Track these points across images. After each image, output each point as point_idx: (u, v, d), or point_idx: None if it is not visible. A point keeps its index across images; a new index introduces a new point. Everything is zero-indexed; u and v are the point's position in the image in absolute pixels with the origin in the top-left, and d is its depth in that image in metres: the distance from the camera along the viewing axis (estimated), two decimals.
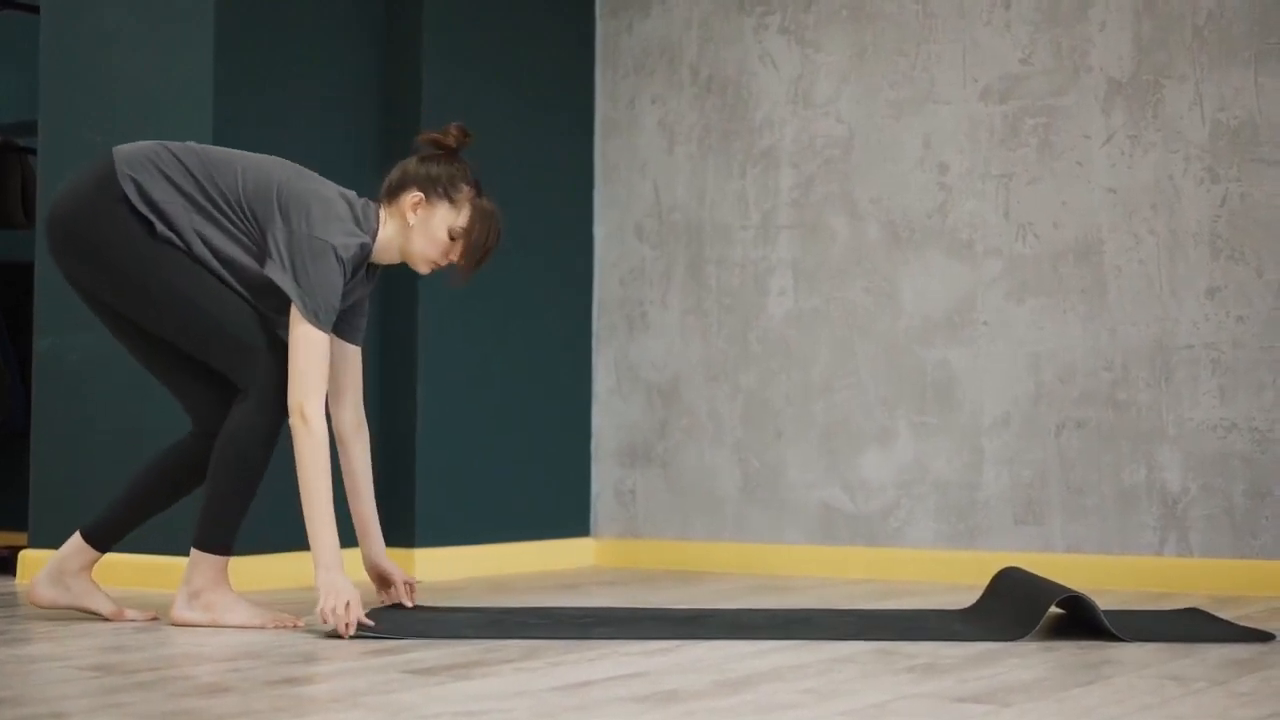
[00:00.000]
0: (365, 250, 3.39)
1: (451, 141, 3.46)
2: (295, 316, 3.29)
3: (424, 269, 3.47)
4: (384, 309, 4.60)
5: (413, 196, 3.41)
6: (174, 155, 3.37)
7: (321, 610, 3.17)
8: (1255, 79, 4.26)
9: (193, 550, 3.37)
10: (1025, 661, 2.88)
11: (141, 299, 3.37)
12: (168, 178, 3.33)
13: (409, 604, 3.60)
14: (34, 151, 5.01)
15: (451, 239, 3.43)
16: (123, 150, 3.38)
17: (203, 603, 3.35)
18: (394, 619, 3.38)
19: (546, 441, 5.01)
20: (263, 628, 3.30)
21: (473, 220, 3.43)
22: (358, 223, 3.38)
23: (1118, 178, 4.41)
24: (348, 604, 3.16)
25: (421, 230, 3.41)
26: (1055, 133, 4.50)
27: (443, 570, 4.61)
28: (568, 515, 5.08)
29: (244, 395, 3.35)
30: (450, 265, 3.49)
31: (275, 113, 4.32)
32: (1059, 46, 4.51)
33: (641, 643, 3.11)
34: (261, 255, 3.34)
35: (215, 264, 3.35)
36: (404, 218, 3.41)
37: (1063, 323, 4.46)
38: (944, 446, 4.59)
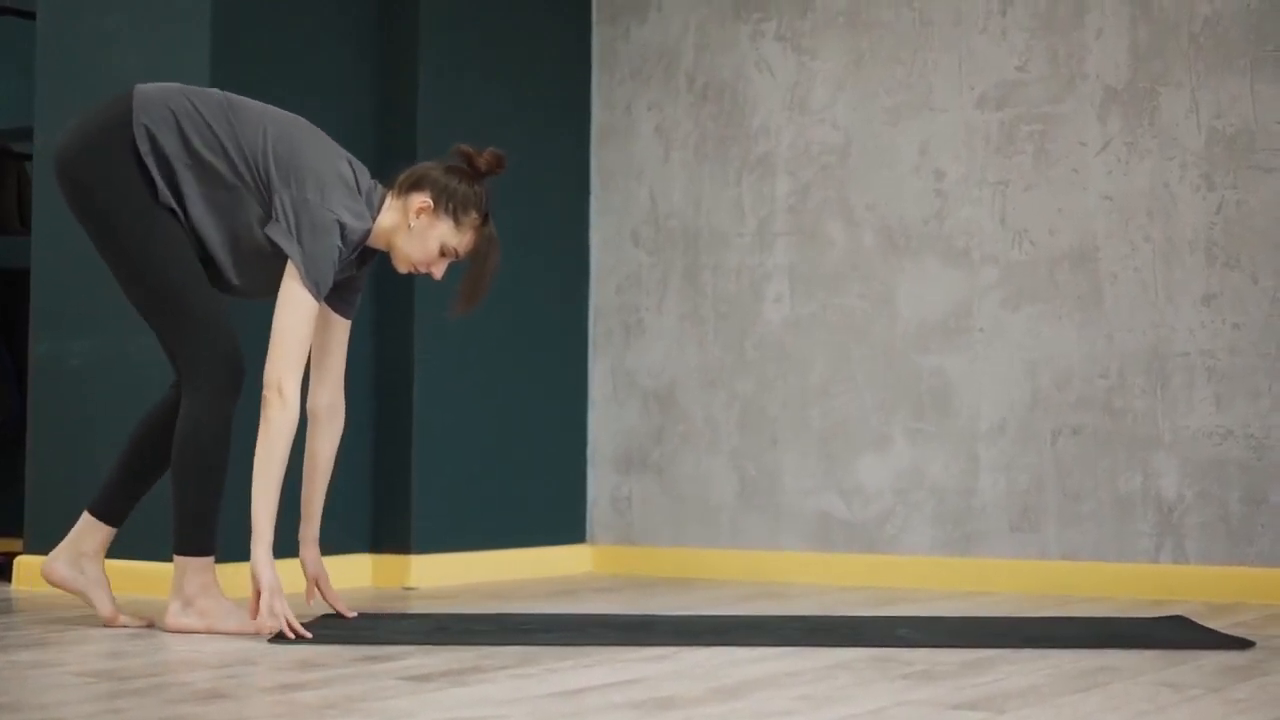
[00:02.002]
0: (365, 235, 3.39)
1: (481, 165, 3.43)
2: (290, 276, 3.28)
3: (402, 269, 3.46)
4: (380, 315, 4.60)
5: (422, 200, 3.39)
6: (195, 108, 3.34)
7: (260, 617, 3.20)
8: (1251, 86, 4.27)
9: (176, 558, 3.37)
10: (1021, 668, 2.88)
11: (118, 259, 3.37)
12: (182, 132, 3.32)
13: (348, 615, 3.58)
14: (30, 157, 5.01)
15: (441, 254, 3.42)
16: (144, 92, 3.35)
17: (196, 609, 3.35)
18: (332, 626, 3.37)
19: (543, 448, 5.01)
20: (257, 634, 3.30)
21: (478, 247, 3.41)
22: (368, 204, 3.39)
23: (1114, 185, 4.42)
24: (278, 598, 3.22)
25: (418, 234, 3.40)
26: (1051, 140, 4.50)
27: (439, 577, 4.60)
28: (564, 522, 5.08)
29: (189, 394, 3.34)
30: (451, 295, 3.48)
31: None
32: (1055, 54, 4.52)
33: (637, 649, 3.11)
34: (265, 218, 3.33)
35: (209, 230, 3.33)
36: (406, 215, 3.40)
37: (1059, 329, 4.46)
38: (940, 453, 4.59)
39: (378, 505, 4.62)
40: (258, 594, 3.23)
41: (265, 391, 3.27)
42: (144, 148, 3.30)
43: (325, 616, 3.55)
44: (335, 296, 3.50)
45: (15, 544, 5.12)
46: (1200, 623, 3.58)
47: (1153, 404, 4.33)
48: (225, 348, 3.34)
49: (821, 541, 4.75)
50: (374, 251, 3.49)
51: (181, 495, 3.35)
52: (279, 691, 2.60)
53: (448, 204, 3.39)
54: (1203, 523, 4.25)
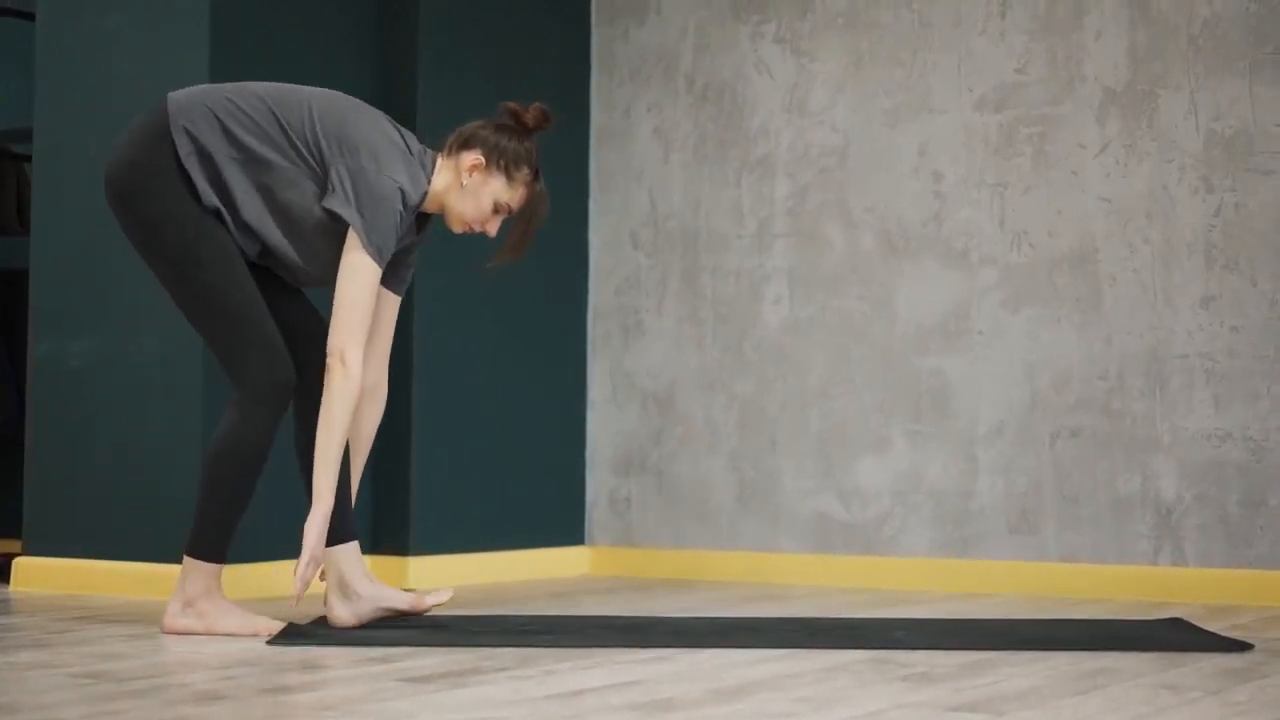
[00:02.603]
0: (423, 198, 3.41)
1: (529, 120, 3.48)
2: (352, 244, 3.29)
3: (458, 228, 3.48)
4: None
5: (474, 158, 3.42)
6: (233, 102, 3.35)
7: (301, 564, 3.24)
8: (1250, 88, 4.27)
9: (185, 558, 3.36)
10: (1020, 670, 2.88)
11: (168, 272, 3.36)
12: (224, 127, 3.32)
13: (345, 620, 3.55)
14: (30, 158, 5.01)
15: (495, 211, 3.45)
16: (178, 97, 3.36)
17: (196, 611, 3.34)
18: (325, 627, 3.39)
19: (541, 450, 5.01)
20: (255, 635, 3.30)
21: (529, 202, 3.45)
22: (422, 168, 3.40)
23: (1112, 187, 4.42)
24: (317, 567, 3.26)
25: (471, 193, 3.42)
26: (1050, 142, 4.51)
27: (438, 578, 4.60)
28: (563, 523, 5.08)
29: (234, 406, 3.35)
30: (493, 246, 3.49)
31: None
32: (1054, 56, 4.52)
33: (636, 650, 3.11)
34: (323, 195, 3.33)
35: (264, 221, 3.33)
36: (458, 174, 3.42)
37: (1057, 332, 4.46)
38: (939, 455, 4.59)
39: (377, 506, 4.62)
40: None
41: (329, 359, 3.29)
42: (184, 150, 3.31)
43: (322, 619, 3.54)
44: (388, 272, 3.50)
45: (14, 545, 5.12)
46: (1199, 625, 3.59)
47: (1151, 406, 4.33)
48: (271, 363, 3.34)
49: (820, 543, 4.75)
50: (428, 217, 3.51)
51: (207, 501, 3.35)
52: (278, 693, 2.60)
53: (499, 160, 3.42)
54: (1201, 525, 4.25)
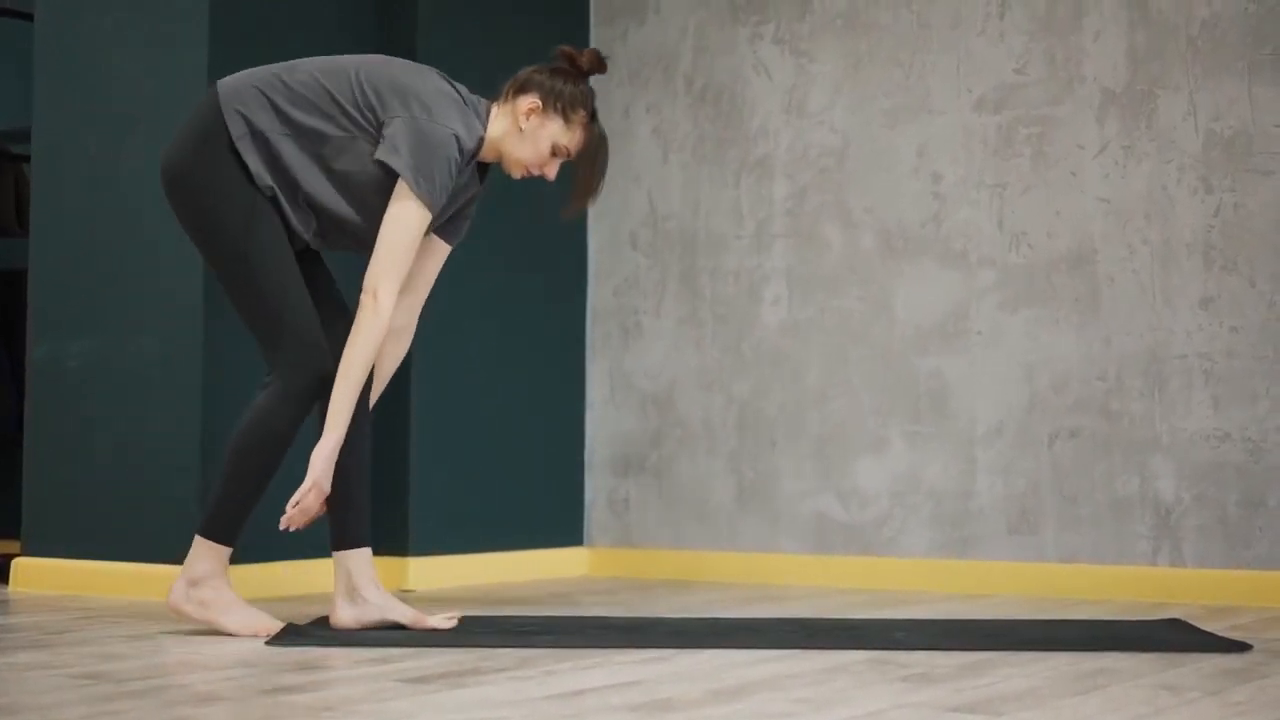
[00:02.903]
0: (480, 144, 3.43)
1: (584, 64, 3.49)
2: (400, 191, 3.31)
3: (517, 173, 3.49)
4: None
5: (530, 102, 3.44)
6: (280, 80, 3.38)
7: (301, 493, 3.27)
8: (1249, 89, 4.27)
9: (196, 537, 3.37)
10: (1020, 671, 2.88)
11: (220, 258, 3.38)
12: (274, 105, 3.35)
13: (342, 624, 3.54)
14: (29, 158, 5.01)
15: (553, 154, 3.47)
16: (227, 83, 3.39)
17: (200, 597, 3.34)
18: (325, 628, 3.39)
19: (540, 450, 5.01)
20: (255, 636, 3.29)
21: (588, 144, 3.47)
22: (476, 115, 3.43)
23: (1111, 188, 4.42)
24: (320, 497, 3.29)
25: (529, 136, 3.45)
26: (1049, 143, 4.51)
27: (436, 579, 4.60)
28: (561, 524, 5.08)
29: (269, 391, 3.36)
30: (563, 196, 3.50)
31: None
32: (1053, 56, 4.52)
33: (635, 651, 3.11)
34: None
35: (326, 192, 3.35)
36: (515, 120, 3.45)
37: (1056, 332, 4.46)
38: (938, 456, 4.59)
39: (376, 507, 4.61)
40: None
41: (362, 295, 3.31)
42: (238, 132, 3.33)
43: (322, 619, 3.54)
44: (445, 224, 3.53)
45: (13, 546, 5.12)
46: (1198, 625, 3.59)
47: (1150, 407, 4.33)
48: (310, 357, 3.35)
49: (819, 544, 4.75)
50: (488, 167, 3.53)
51: (227, 486, 3.35)
52: (276, 693, 2.60)
53: (556, 103, 3.45)
54: (1200, 525, 4.25)
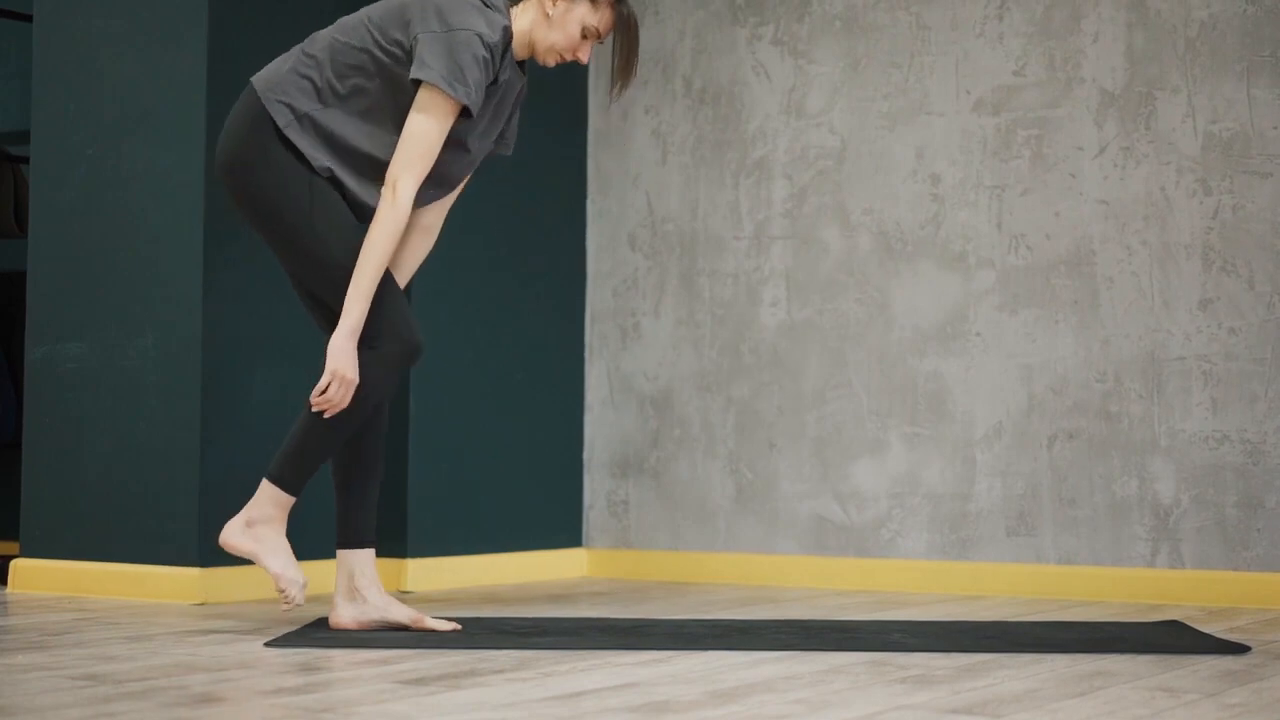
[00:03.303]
0: (508, 34, 3.44)
1: None
2: (424, 93, 3.33)
3: (552, 60, 3.51)
4: None
5: None
6: (307, 54, 3.42)
7: (322, 384, 3.27)
8: (1248, 91, 4.27)
9: (264, 482, 3.40)
10: (1018, 673, 2.88)
11: (289, 251, 3.40)
12: (311, 82, 3.38)
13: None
14: (27, 160, 5.01)
15: (584, 36, 3.49)
16: (261, 76, 3.42)
17: (254, 534, 3.39)
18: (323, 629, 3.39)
19: (539, 452, 5.01)
20: (284, 594, 3.34)
21: (617, 23, 3.48)
22: (497, 11, 3.44)
23: (1110, 189, 4.42)
24: (343, 387, 3.28)
25: (558, 22, 3.46)
26: (1048, 144, 4.51)
27: (435, 580, 4.60)
28: (560, 526, 5.08)
29: (363, 350, 3.36)
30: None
31: None
32: (1052, 58, 4.52)
33: (634, 653, 3.11)
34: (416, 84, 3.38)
35: (385, 146, 3.38)
36: (542, 8, 3.47)
37: (1055, 334, 4.46)
38: (936, 458, 4.59)
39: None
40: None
41: (382, 188, 3.33)
42: (284, 121, 3.36)
43: (322, 620, 3.54)
44: (500, 131, 3.56)
45: (12, 547, 5.12)
46: (1196, 627, 3.59)
47: (1149, 409, 4.33)
48: (399, 325, 3.38)
49: (817, 545, 4.75)
50: (523, 62, 3.54)
51: (306, 433, 3.37)
52: (275, 695, 2.60)
53: None
54: (1199, 527, 4.25)
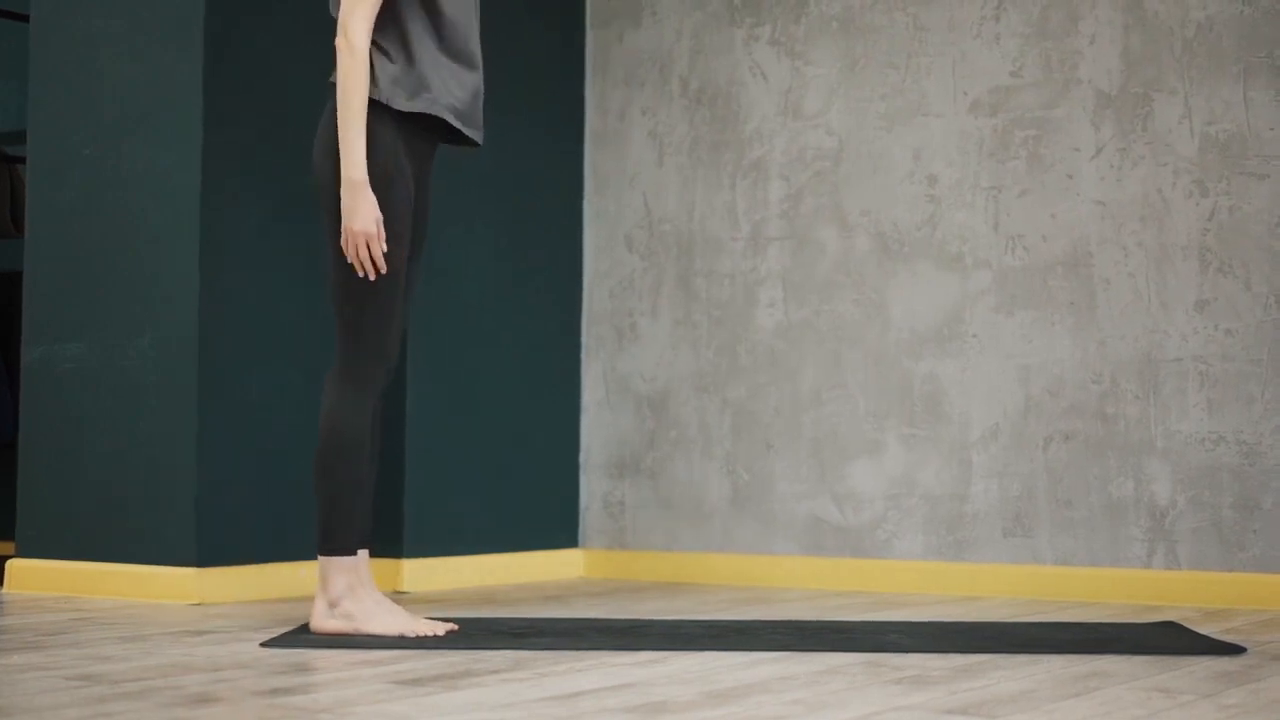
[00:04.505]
0: None
1: None
2: None
3: None
4: None
5: None
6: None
7: (344, 244, 3.27)
8: (1244, 92, 4.28)
9: (320, 559, 3.37)
10: (1014, 673, 2.89)
11: (331, 240, 3.41)
12: (384, 50, 3.37)
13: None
14: (24, 160, 5.01)
15: None
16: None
17: (342, 611, 3.35)
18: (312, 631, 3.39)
19: (535, 452, 5.01)
20: (401, 636, 3.30)
21: None
22: None
23: (1107, 190, 4.42)
24: (370, 242, 3.28)
25: None
26: (1045, 145, 4.51)
27: (431, 581, 4.60)
28: (556, 526, 5.08)
29: (337, 385, 3.36)
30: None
31: (266, 119, 4.32)
32: (1048, 59, 4.52)
33: (630, 653, 3.11)
34: None
35: (472, 42, 3.41)
36: None
37: (1051, 335, 4.47)
38: (933, 459, 4.60)
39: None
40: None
41: (336, 40, 3.33)
42: (386, 96, 3.36)
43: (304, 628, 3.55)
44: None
45: (8, 547, 5.12)
46: (1192, 628, 3.59)
47: (1145, 410, 4.34)
48: (392, 350, 3.38)
49: (814, 546, 4.75)
50: None
51: (323, 494, 3.36)
52: (271, 695, 2.60)
53: None
54: (1195, 528, 4.26)
